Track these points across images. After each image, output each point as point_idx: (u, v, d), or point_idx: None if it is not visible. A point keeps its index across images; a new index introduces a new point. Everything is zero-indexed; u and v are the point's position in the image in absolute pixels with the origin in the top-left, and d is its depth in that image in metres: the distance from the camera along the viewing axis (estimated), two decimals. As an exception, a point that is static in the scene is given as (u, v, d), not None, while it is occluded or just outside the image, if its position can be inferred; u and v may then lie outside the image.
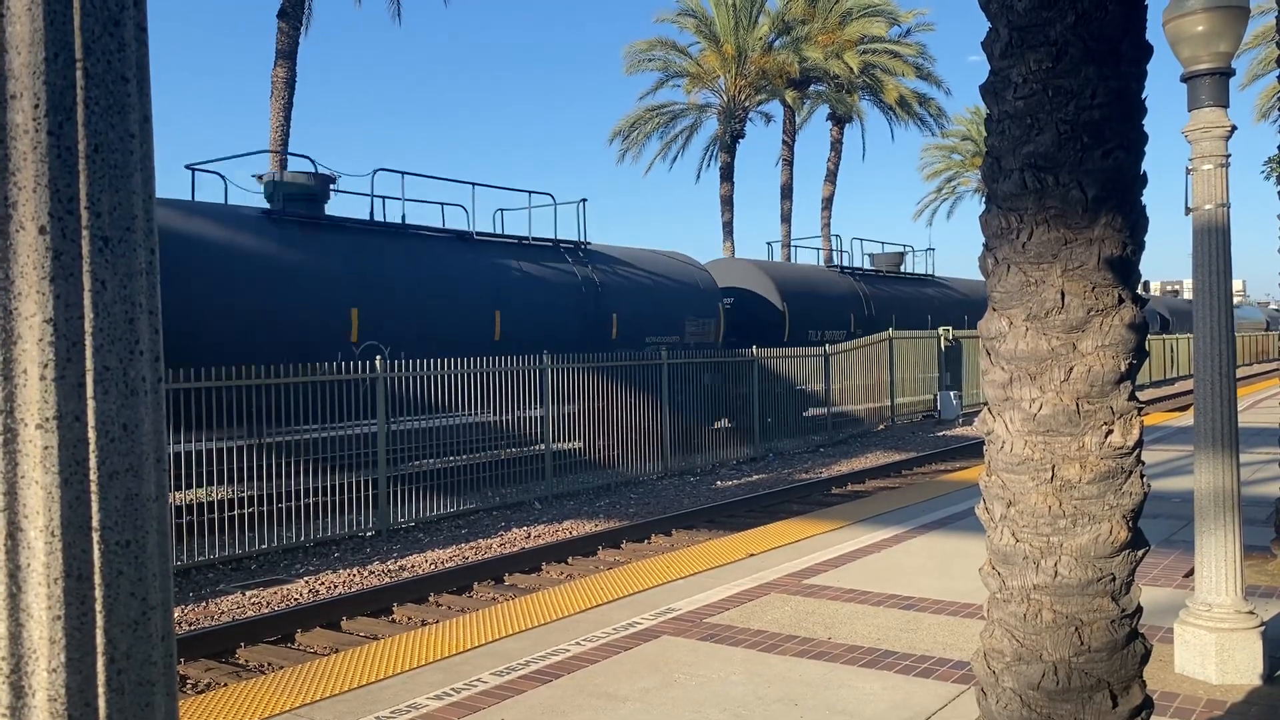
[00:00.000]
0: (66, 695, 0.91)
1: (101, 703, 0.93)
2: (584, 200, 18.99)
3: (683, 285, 19.92)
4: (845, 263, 29.68)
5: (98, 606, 0.93)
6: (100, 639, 0.93)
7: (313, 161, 15.25)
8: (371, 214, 15.16)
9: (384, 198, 15.42)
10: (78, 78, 0.91)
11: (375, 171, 16.11)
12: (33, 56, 0.89)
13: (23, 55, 0.89)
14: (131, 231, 0.95)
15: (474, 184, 17.15)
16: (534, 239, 17.50)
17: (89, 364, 0.92)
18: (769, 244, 29.28)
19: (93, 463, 0.92)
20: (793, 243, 32.96)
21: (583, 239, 18.60)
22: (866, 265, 29.13)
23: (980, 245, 2.65)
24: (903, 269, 30.45)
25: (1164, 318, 46.45)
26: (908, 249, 31.31)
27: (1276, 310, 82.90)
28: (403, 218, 15.71)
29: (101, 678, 0.93)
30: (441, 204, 16.77)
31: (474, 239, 16.50)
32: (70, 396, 0.91)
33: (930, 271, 32.20)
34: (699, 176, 46.94)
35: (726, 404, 18.45)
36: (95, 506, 0.92)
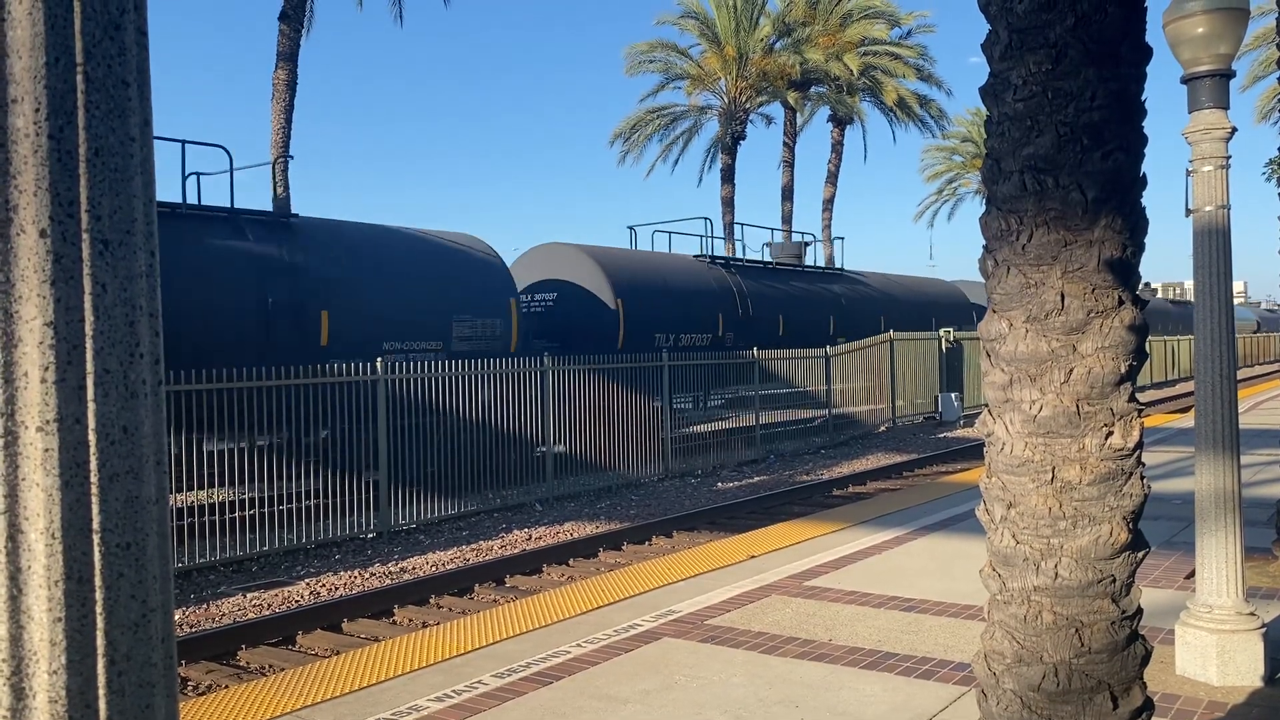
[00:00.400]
0: (67, 697, 0.91)
1: (102, 704, 0.93)
2: (285, 158, 16.08)
3: (453, 277, 15.29)
4: (727, 253, 26.68)
5: (98, 609, 0.93)
6: (101, 641, 0.93)
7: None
8: None
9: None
10: (78, 82, 0.92)
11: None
12: (33, 61, 0.89)
13: (24, 60, 0.89)
14: (132, 235, 0.96)
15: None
16: (192, 207, 12.72)
17: (89, 367, 0.92)
18: (631, 228, 23.49)
19: (93, 465, 0.93)
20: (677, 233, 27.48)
21: (288, 210, 14.97)
22: (758, 256, 25.06)
23: (980, 247, 2.65)
24: (807, 262, 25.87)
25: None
26: (809, 238, 26.87)
27: (1270, 310, 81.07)
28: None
29: (102, 680, 0.93)
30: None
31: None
32: (71, 399, 0.92)
33: (840, 265, 27.82)
34: (701, 179, 46.99)
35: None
36: (96, 509, 0.93)
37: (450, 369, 13.07)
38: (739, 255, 25.93)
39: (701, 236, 23.15)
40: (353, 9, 44.46)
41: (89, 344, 0.92)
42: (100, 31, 0.93)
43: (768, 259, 24.68)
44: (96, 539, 0.93)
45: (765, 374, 19.36)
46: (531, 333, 17.84)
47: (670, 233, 23.26)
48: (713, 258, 22.42)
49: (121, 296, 0.95)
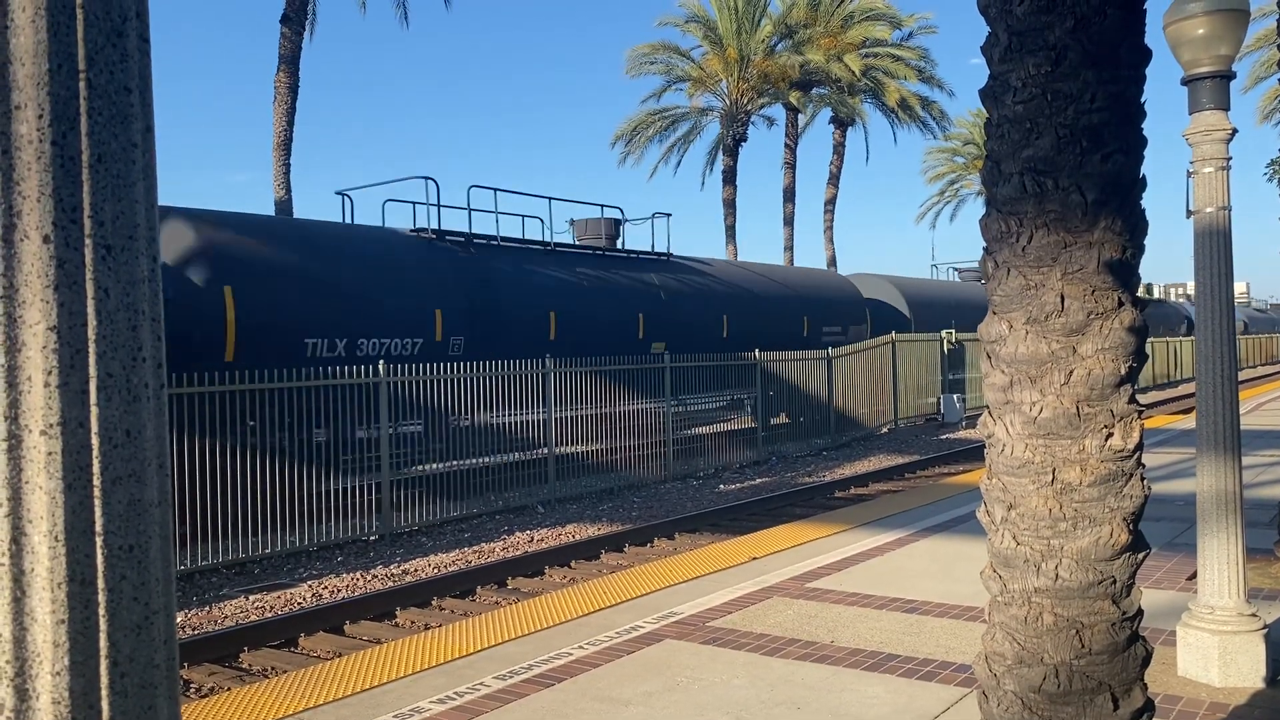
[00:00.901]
0: (70, 698, 0.92)
1: (105, 706, 0.94)
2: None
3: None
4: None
5: (101, 610, 0.94)
6: (103, 643, 0.94)
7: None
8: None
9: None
10: (81, 88, 0.93)
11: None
12: (36, 68, 0.90)
13: (27, 67, 0.90)
14: (134, 240, 0.96)
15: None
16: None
17: (92, 370, 0.93)
18: (341, 193, 15.59)
19: (96, 468, 0.93)
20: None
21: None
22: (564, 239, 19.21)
23: (981, 248, 2.66)
24: (621, 244, 19.53)
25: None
26: (624, 219, 19.89)
27: (1259, 310, 78.85)
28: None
29: (104, 681, 0.94)
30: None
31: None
32: (74, 403, 0.92)
33: (666, 250, 20.04)
34: (703, 182, 46.99)
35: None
36: (98, 511, 0.93)
37: (453, 372, 13.08)
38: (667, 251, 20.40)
39: (430, 206, 15.78)
40: (354, 11, 44.46)
41: (92, 348, 0.93)
42: (103, 38, 0.94)
43: (583, 242, 19.00)
44: (99, 541, 0.93)
45: (767, 375, 19.37)
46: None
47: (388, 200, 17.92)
48: (441, 233, 15.25)
49: (124, 301, 0.95)
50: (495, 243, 16.19)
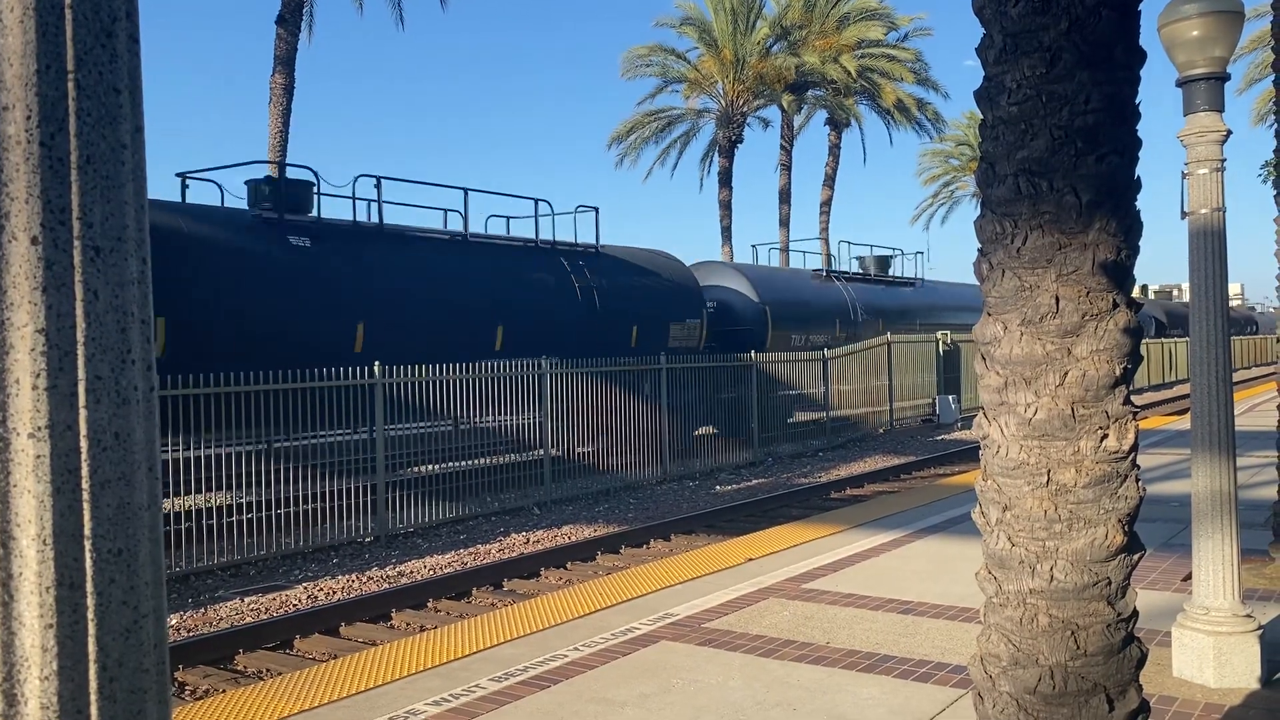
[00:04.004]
0: (59, 703, 0.91)
1: (94, 710, 0.93)
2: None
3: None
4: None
5: (90, 614, 0.93)
6: (92, 647, 0.93)
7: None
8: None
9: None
10: (70, 89, 0.92)
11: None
12: (25, 68, 0.90)
13: (15, 67, 0.89)
14: (123, 241, 0.96)
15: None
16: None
17: (81, 373, 0.93)
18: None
19: (85, 471, 0.93)
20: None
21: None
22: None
23: (976, 250, 2.66)
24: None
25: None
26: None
27: (1247, 310, 77.16)
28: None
29: (94, 685, 0.93)
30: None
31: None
32: (62, 406, 0.92)
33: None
34: (701, 184, 46.98)
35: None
36: (87, 515, 0.93)
37: (449, 373, 13.07)
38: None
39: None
40: (353, 12, 44.46)
41: (80, 350, 0.93)
42: (92, 39, 0.94)
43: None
44: (88, 545, 0.93)
45: (766, 376, 19.37)
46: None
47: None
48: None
49: (113, 303, 0.95)
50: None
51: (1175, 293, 59.41)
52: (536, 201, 17.67)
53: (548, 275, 16.85)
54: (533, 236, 17.34)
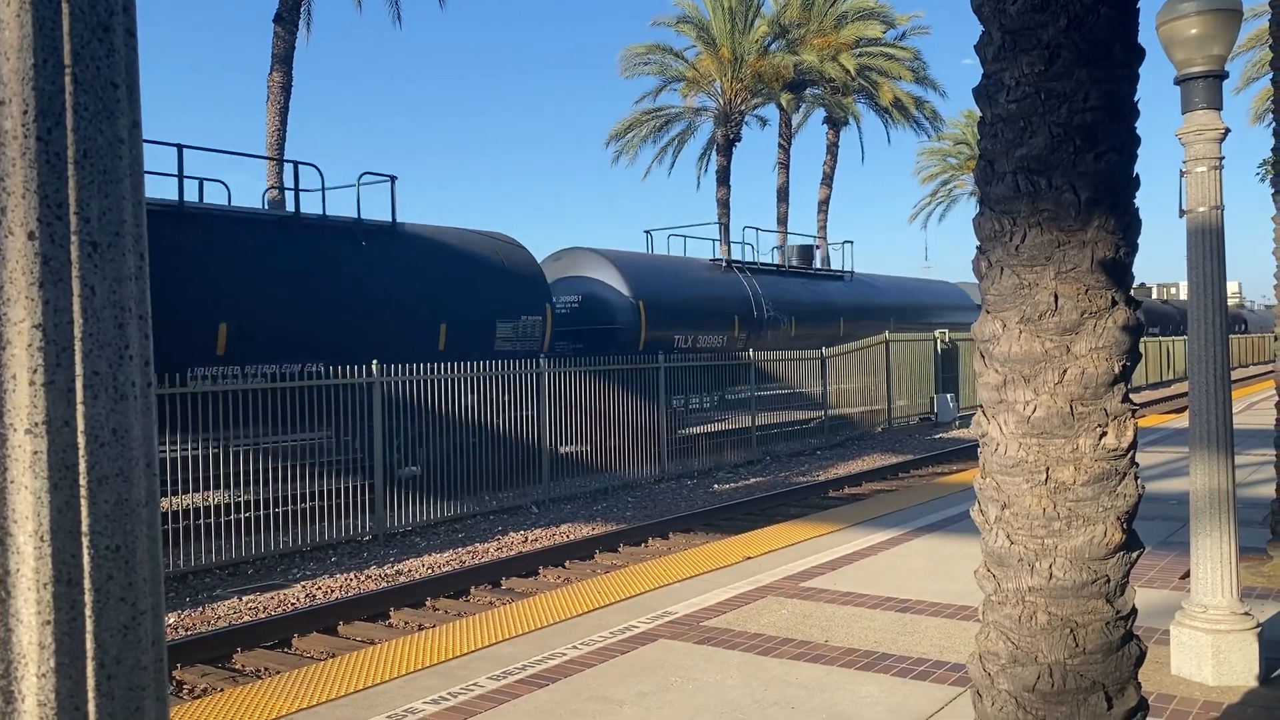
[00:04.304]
0: (56, 700, 0.91)
1: (91, 708, 0.93)
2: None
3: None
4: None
5: (87, 611, 0.93)
6: (90, 644, 0.93)
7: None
8: None
9: None
10: (67, 84, 0.92)
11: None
12: (21, 63, 0.89)
13: (11, 61, 0.89)
14: (121, 236, 0.96)
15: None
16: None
17: (78, 369, 0.92)
18: None
19: (82, 468, 0.92)
20: None
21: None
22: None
23: (974, 248, 2.66)
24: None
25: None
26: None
27: (1236, 309, 75.50)
28: None
29: (91, 683, 0.93)
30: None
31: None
32: (59, 401, 0.91)
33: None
34: (699, 182, 47.02)
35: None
36: (85, 511, 0.92)
37: (444, 371, 13.06)
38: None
39: None
40: (352, 10, 44.44)
41: (78, 346, 0.92)
42: (89, 33, 0.93)
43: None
44: (85, 542, 0.92)
45: (763, 375, 19.37)
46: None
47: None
48: None
49: (111, 299, 0.94)
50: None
51: (1155, 291, 59.02)
52: (296, 165, 13.72)
53: (312, 259, 13.23)
54: (294, 210, 13.73)
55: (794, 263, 25.70)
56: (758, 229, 25.78)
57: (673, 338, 19.62)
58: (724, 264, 22.48)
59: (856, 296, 26.34)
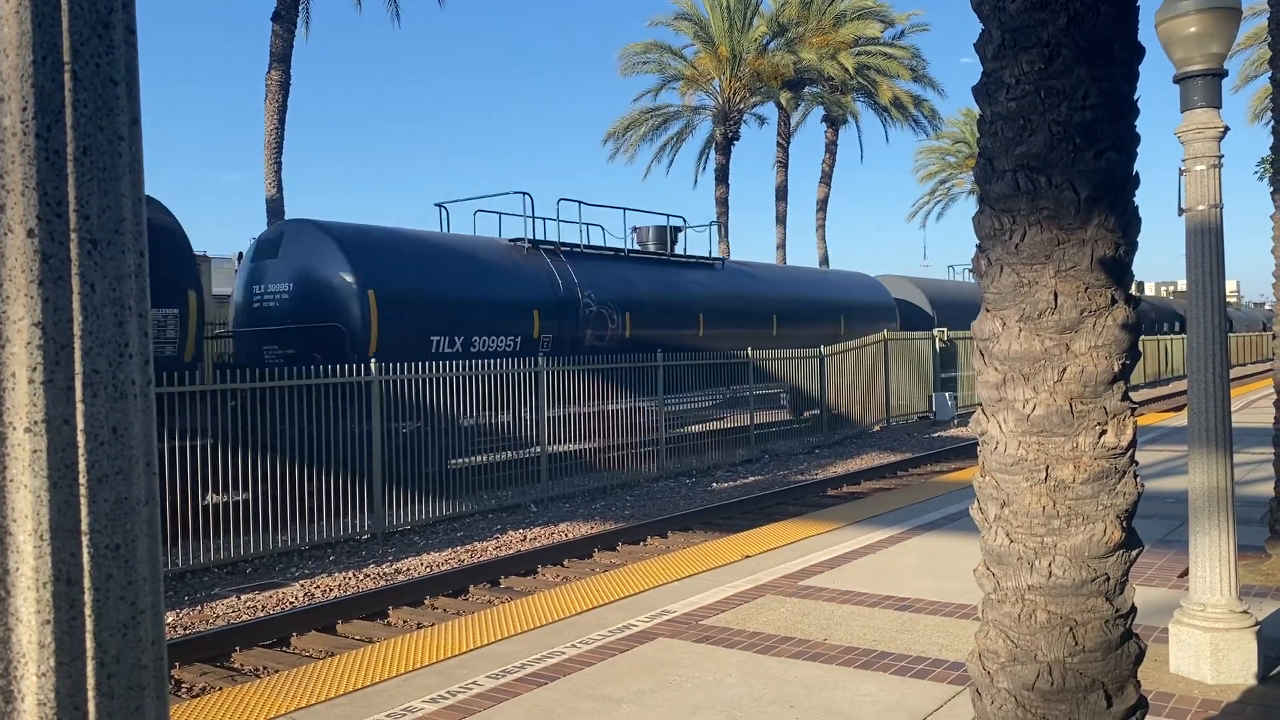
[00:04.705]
0: (56, 700, 0.91)
1: (91, 707, 0.93)
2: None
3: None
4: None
5: (87, 610, 0.92)
6: (90, 643, 0.93)
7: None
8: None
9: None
10: (66, 80, 0.91)
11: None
12: (20, 59, 0.89)
13: (10, 58, 0.89)
14: (120, 234, 0.95)
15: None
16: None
17: (78, 367, 0.92)
18: None
19: (82, 466, 0.92)
20: None
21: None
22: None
23: (974, 246, 2.66)
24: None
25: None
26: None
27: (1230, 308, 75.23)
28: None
29: (91, 682, 0.93)
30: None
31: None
32: (59, 400, 0.91)
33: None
34: (696, 180, 46.96)
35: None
36: (84, 510, 0.92)
37: (444, 371, 13.05)
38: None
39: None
40: (351, 9, 44.41)
41: (77, 344, 0.92)
42: (88, 30, 0.93)
43: None
44: (85, 540, 0.92)
45: (760, 373, 19.36)
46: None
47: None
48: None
49: (110, 296, 0.94)
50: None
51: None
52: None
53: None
54: None
55: (649, 246, 20.09)
56: (580, 202, 18.91)
57: (428, 338, 14.20)
58: (527, 244, 16.67)
59: (727, 289, 20.44)
